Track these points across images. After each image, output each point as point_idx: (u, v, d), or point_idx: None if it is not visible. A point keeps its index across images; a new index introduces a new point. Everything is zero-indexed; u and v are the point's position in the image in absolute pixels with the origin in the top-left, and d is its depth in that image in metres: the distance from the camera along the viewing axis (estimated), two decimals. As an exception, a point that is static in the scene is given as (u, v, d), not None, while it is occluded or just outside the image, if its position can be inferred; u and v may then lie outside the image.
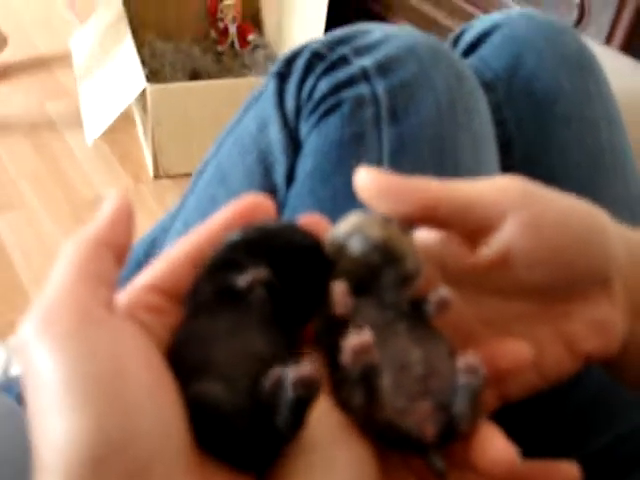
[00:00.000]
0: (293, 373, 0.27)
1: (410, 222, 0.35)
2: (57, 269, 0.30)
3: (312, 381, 0.27)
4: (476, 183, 0.35)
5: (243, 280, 0.30)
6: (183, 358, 0.29)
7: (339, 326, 0.32)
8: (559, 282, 0.35)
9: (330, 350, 0.32)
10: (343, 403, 0.31)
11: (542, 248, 0.35)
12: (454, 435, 0.31)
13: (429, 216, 0.34)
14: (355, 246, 0.33)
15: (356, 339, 0.30)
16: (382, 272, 0.33)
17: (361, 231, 0.33)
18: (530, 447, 0.57)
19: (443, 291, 0.33)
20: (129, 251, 0.32)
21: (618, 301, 0.37)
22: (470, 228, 0.35)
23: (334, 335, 0.32)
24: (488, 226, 0.35)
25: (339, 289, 0.32)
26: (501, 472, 0.31)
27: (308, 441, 0.30)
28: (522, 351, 0.34)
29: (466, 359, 0.31)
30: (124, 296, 0.33)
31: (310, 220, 0.35)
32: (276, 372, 0.28)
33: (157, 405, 0.27)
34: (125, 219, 0.32)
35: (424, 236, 0.37)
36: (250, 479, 0.30)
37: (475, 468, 0.32)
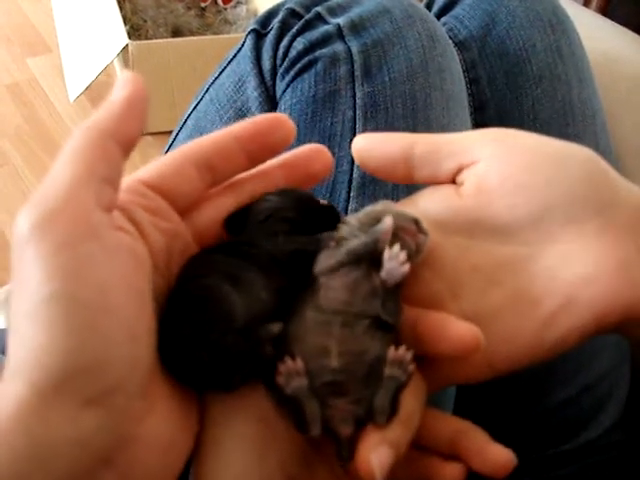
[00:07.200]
0: None
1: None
2: (61, 161, 0.27)
3: None
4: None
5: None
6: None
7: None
8: (543, 211, 0.33)
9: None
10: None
11: (518, 170, 0.34)
12: (369, 422, 0.31)
13: (408, 162, 0.36)
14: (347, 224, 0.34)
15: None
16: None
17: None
18: (496, 399, 0.59)
19: (394, 250, 0.32)
20: (137, 142, 0.30)
21: (628, 241, 0.33)
22: (446, 171, 0.36)
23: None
24: (464, 164, 0.35)
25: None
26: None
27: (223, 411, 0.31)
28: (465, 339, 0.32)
29: (397, 352, 0.31)
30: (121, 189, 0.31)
31: (315, 149, 0.37)
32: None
33: (130, 336, 0.27)
34: (138, 107, 0.29)
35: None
36: (192, 409, 0.31)
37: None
